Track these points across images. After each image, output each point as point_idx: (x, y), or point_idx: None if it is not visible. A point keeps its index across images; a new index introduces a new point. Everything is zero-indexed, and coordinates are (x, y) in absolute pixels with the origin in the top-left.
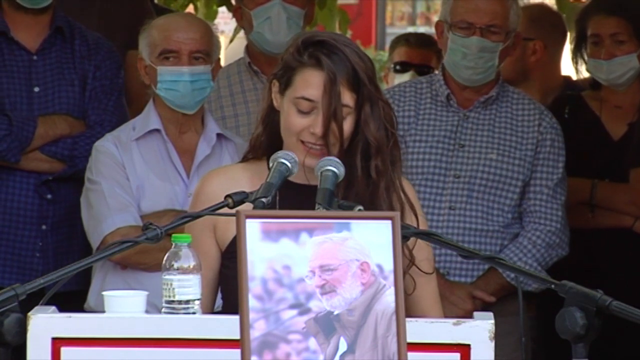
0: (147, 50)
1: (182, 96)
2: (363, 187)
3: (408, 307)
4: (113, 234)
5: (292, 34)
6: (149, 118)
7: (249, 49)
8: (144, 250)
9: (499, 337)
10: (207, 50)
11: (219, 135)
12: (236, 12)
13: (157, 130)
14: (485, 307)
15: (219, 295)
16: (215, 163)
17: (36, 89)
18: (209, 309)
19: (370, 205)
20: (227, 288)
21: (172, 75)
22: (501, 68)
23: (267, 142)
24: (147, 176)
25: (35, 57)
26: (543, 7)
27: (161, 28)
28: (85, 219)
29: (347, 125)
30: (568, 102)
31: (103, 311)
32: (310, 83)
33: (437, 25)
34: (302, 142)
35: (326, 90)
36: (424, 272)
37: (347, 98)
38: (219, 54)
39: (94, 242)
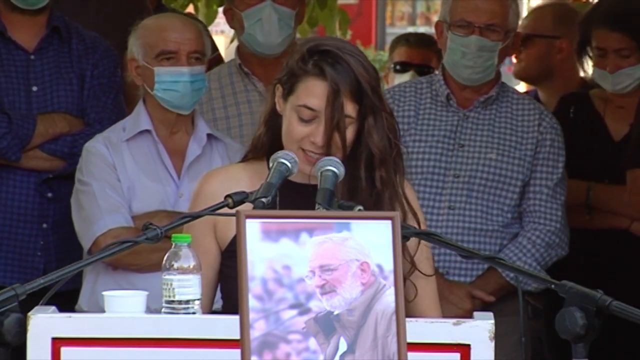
0: (141, 51)
1: (181, 97)
2: (367, 198)
3: (407, 310)
4: (105, 235)
5: (284, 35)
6: (140, 119)
7: (240, 50)
8: (135, 252)
9: (499, 337)
10: (203, 50)
11: (209, 136)
12: (227, 13)
13: (148, 131)
14: (484, 306)
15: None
16: (206, 163)
17: (34, 88)
18: (208, 308)
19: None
20: (227, 287)
21: (171, 76)
22: (525, 66)
23: (268, 143)
24: (137, 177)
25: (32, 57)
26: (569, 6)
27: (156, 29)
28: (76, 220)
29: (349, 134)
30: (575, 100)
31: (95, 312)
32: (313, 92)
33: (437, 25)
34: (302, 150)
35: (329, 102)
36: (424, 274)
37: (350, 109)
38: (210, 53)
39: (86, 244)
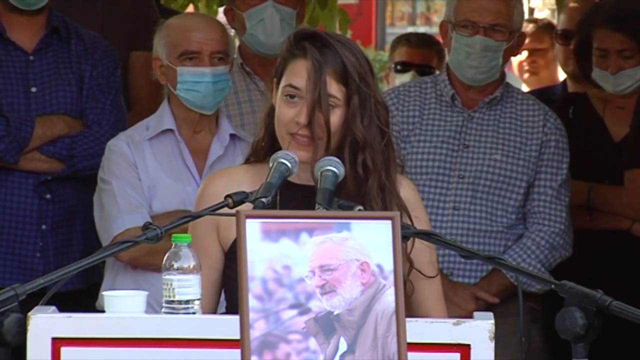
0: (164, 51)
1: (203, 97)
2: (352, 183)
3: (411, 309)
4: (123, 234)
5: (286, 35)
6: (163, 118)
7: (241, 50)
8: (153, 252)
9: (502, 338)
10: (226, 51)
11: (232, 136)
12: (227, 13)
13: (171, 130)
14: (488, 308)
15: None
16: (228, 163)
17: (33, 90)
18: (213, 310)
19: (361, 203)
20: (229, 289)
21: (193, 76)
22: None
23: (268, 144)
24: (159, 176)
25: (31, 58)
26: None
27: (180, 28)
28: (97, 219)
29: (335, 118)
30: (573, 101)
31: None
32: (297, 72)
33: (442, 25)
34: (290, 134)
35: (310, 78)
36: (426, 276)
37: (334, 89)
38: (234, 53)
39: (105, 242)
